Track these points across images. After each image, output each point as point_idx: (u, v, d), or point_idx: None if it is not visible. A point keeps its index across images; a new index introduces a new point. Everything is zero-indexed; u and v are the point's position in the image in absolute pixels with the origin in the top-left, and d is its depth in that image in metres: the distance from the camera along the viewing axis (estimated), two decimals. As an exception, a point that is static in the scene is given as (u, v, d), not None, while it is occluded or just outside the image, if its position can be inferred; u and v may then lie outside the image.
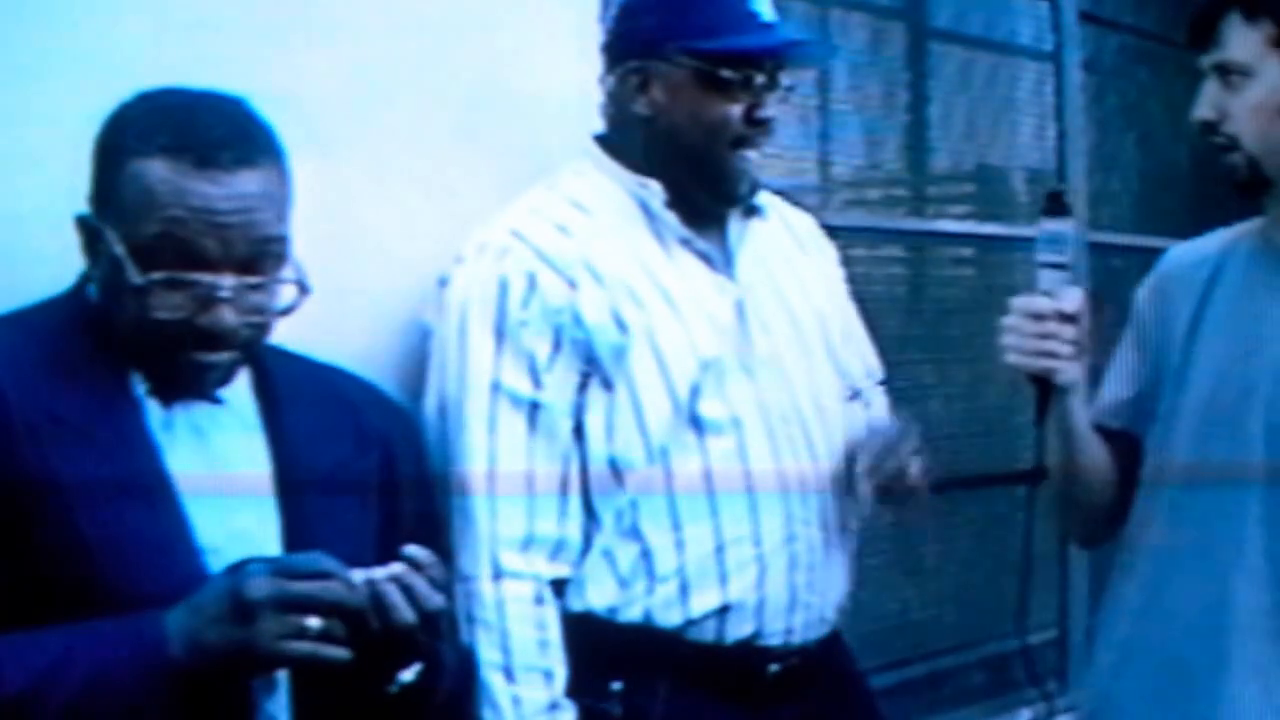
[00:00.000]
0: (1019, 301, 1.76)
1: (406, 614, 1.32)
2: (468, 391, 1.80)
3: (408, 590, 1.33)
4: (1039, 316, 1.74)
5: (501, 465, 1.79)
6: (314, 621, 1.27)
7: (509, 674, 1.76)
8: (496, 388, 1.79)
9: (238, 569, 1.31)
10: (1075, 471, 1.84)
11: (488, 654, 1.75)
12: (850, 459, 1.90)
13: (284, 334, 1.51)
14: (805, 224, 2.08)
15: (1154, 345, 1.87)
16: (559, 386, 1.81)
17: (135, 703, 1.28)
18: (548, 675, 1.78)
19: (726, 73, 1.84)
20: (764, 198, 1.97)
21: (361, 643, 1.31)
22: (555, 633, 1.79)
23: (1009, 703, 3.31)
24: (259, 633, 1.27)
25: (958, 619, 3.25)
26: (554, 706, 1.78)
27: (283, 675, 1.39)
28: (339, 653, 1.29)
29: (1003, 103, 3.37)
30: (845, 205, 3.05)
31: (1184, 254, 1.92)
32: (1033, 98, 3.42)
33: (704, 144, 1.87)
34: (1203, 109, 1.76)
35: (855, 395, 2.02)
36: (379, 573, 1.32)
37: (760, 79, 1.86)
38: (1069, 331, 1.75)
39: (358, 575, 1.31)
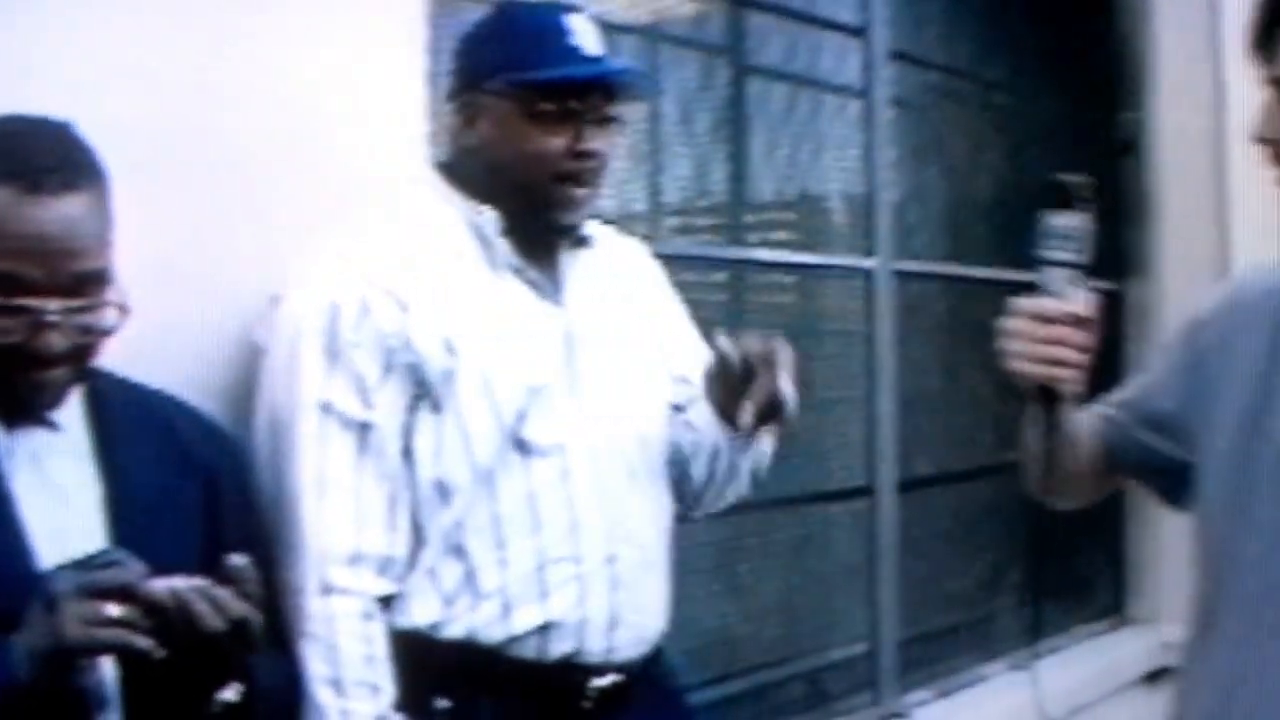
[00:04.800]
0: (1025, 303, 1.59)
1: (213, 621, 1.35)
2: (299, 411, 1.82)
3: (213, 601, 1.36)
4: (1048, 320, 1.58)
5: (330, 483, 1.81)
6: (114, 609, 1.31)
7: (338, 687, 1.77)
8: (327, 408, 1.81)
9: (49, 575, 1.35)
10: (1056, 468, 1.69)
11: (316, 668, 1.77)
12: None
13: (113, 358, 1.52)
14: (631, 252, 2.11)
15: (1213, 372, 1.68)
16: (388, 408, 1.83)
17: None
18: (375, 689, 1.80)
19: (544, 105, 1.87)
20: (593, 228, 2.00)
21: (176, 653, 1.34)
22: (382, 648, 1.81)
23: (826, 714, 3.37)
24: (66, 621, 1.30)
25: (776, 634, 3.28)
26: (381, 721, 1.79)
27: (115, 696, 1.41)
28: (146, 643, 1.32)
29: (818, 136, 3.43)
30: (672, 233, 3.13)
31: (1254, 281, 1.74)
32: (848, 132, 3.48)
33: (527, 176, 1.89)
34: (1267, 128, 1.53)
35: (680, 408, 2.03)
36: (180, 583, 1.36)
37: (582, 111, 1.88)
38: (1081, 337, 1.58)
39: (161, 584, 1.35)
